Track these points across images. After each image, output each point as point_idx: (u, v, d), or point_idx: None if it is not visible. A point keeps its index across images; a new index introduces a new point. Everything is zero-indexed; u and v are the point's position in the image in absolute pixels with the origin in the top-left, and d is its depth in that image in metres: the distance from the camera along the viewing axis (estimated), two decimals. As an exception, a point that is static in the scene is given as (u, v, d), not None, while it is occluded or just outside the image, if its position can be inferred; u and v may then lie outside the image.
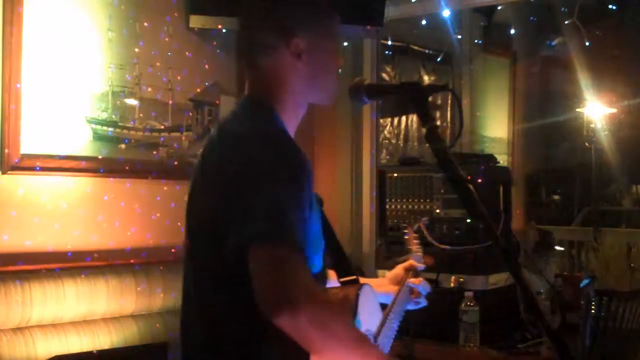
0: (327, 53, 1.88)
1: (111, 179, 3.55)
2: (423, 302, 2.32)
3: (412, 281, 2.29)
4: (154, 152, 3.74)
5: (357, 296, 1.79)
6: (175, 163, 3.80)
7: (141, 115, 3.67)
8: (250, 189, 1.61)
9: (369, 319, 1.87)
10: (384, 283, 2.31)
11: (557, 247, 4.47)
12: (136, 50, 3.65)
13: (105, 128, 3.55)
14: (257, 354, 1.65)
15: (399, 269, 2.35)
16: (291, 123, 1.85)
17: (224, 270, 1.65)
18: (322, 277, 1.88)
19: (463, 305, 3.21)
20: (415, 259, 2.42)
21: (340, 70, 1.94)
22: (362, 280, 2.04)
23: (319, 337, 1.52)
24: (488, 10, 6.14)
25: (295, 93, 1.85)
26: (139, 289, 3.34)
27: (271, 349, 1.63)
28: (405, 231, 2.64)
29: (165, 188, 3.75)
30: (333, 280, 2.00)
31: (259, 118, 1.79)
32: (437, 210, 3.54)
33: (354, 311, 1.76)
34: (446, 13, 4.65)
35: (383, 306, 2.10)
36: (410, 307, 2.29)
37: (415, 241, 2.57)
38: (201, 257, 1.74)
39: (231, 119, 1.84)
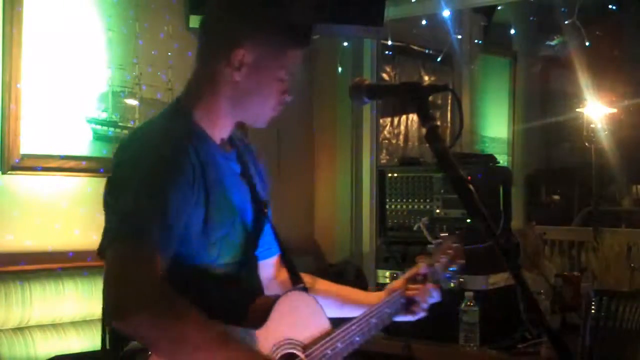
0: (269, 77, 1.76)
1: (111, 179, 3.55)
2: (420, 313, 2.13)
3: (410, 291, 2.10)
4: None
5: (272, 304, 1.73)
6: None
7: (141, 115, 3.67)
8: (113, 194, 1.64)
9: (295, 327, 1.77)
10: (377, 295, 2.11)
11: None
12: (136, 50, 3.65)
13: (105, 128, 3.55)
14: None
15: (399, 281, 2.15)
16: (214, 132, 1.77)
17: None
18: (246, 268, 1.78)
19: (463, 305, 3.20)
20: (429, 270, 2.16)
21: (289, 97, 1.80)
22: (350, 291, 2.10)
23: (160, 341, 1.51)
24: (488, 10, 6.15)
25: (223, 105, 1.76)
26: (139, 289, 3.34)
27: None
28: (439, 240, 2.30)
29: (165, 188, 3.74)
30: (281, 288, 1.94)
31: (166, 121, 1.75)
32: (437, 210, 3.53)
33: (262, 318, 1.70)
34: (446, 13, 4.65)
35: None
36: (403, 318, 2.12)
37: (446, 252, 2.27)
38: None
39: (149, 119, 1.82)
